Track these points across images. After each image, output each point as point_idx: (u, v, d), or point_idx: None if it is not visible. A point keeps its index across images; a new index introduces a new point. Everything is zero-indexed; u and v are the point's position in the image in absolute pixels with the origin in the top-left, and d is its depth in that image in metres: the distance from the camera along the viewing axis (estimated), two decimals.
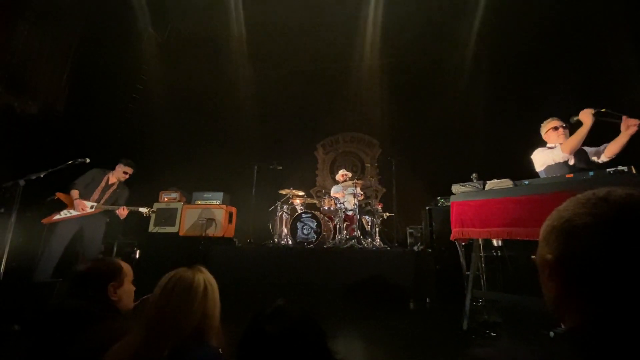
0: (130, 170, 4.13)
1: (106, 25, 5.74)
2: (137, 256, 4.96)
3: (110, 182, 4.07)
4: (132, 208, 4.11)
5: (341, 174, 5.63)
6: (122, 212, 4.01)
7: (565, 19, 5.10)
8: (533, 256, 0.66)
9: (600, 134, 2.80)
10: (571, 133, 2.77)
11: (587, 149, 2.80)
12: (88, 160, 3.69)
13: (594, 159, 2.74)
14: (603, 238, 0.49)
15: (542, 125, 3.06)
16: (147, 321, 1.02)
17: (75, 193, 3.85)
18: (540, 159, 2.89)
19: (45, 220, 3.75)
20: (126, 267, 1.41)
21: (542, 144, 3.03)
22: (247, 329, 0.89)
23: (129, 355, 0.98)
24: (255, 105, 6.90)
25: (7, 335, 2.58)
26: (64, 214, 3.80)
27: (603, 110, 2.49)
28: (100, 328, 1.12)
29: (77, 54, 5.51)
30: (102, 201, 3.98)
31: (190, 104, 6.85)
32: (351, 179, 5.44)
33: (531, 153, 3.15)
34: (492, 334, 2.46)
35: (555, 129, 2.88)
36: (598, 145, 2.72)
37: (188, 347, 1.02)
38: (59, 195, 3.85)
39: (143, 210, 4.16)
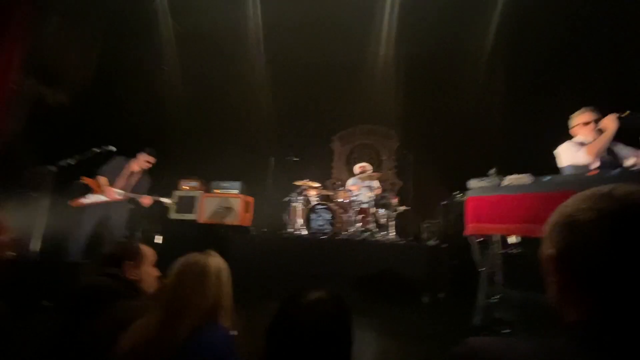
0: (152, 160, 4.27)
1: (130, 18, 5.90)
2: (160, 242, 5.17)
3: (133, 170, 4.22)
4: (156, 198, 4.26)
5: (359, 166, 5.56)
6: (146, 200, 4.19)
7: (588, 11, 4.79)
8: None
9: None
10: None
11: (621, 148, 2.56)
12: (115, 148, 3.88)
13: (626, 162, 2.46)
14: (606, 233, 0.49)
15: (572, 116, 2.82)
16: (164, 304, 1.08)
17: (104, 180, 3.99)
18: (566, 156, 2.72)
19: (74, 203, 3.88)
20: (147, 250, 1.50)
21: (566, 138, 2.88)
22: (279, 312, 0.91)
23: (149, 334, 1.05)
24: (273, 97, 6.94)
25: (37, 311, 2.78)
26: (91, 198, 3.93)
27: (627, 113, 2.33)
28: (122, 306, 1.21)
29: (103, 46, 5.71)
30: (127, 189, 4.14)
31: (210, 95, 6.97)
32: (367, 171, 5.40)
33: (552, 147, 3.00)
34: (506, 330, 2.43)
35: (586, 124, 2.64)
36: None
37: (202, 327, 1.08)
38: (86, 179, 3.96)
39: (165, 200, 4.31)
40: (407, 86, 6.39)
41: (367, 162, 5.82)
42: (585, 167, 2.49)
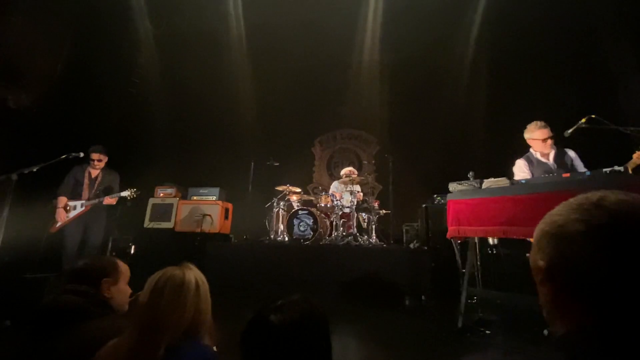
0: (96, 156, 4.01)
1: (101, 18, 5.65)
2: (132, 252, 4.93)
3: (93, 176, 4.05)
4: (115, 195, 4.04)
5: (348, 170, 5.45)
6: (110, 200, 4.00)
7: (565, 20, 5.09)
8: (528, 254, 0.66)
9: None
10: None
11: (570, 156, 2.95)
12: (82, 154, 3.66)
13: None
14: (596, 245, 0.49)
15: (530, 129, 3.12)
16: (139, 321, 1.00)
17: (61, 201, 3.90)
18: (518, 174, 3.08)
19: (52, 230, 3.85)
20: (123, 267, 1.40)
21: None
22: (253, 318, 0.89)
23: (122, 355, 0.97)
24: (253, 100, 6.85)
25: None
26: (63, 219, 3.86)
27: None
28: (93, 326, 1.11)
29: (71, 47, 5.42)
30: (92, 195, 3.98)
31: (187, 99, 6.78)
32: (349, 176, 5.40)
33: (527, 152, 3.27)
34: (487, 331, 2.47)
35: (544, 140, 2.99)
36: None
37: (182, 345, 1.01)
38: (57, 206, 3.91)
39: (125, 193, 4.04)
40: (387, 91, 6.51)
41: (347, 166, 5.84)
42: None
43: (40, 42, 5.02)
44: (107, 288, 1.29)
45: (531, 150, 3.17)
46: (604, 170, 2.05)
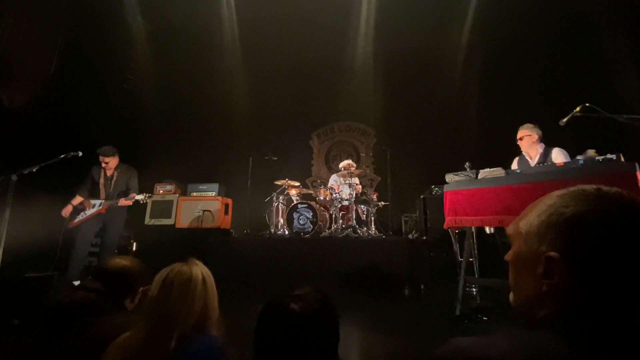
0: (102, 159, 4.02)
1: (94, 14, 5.57)
2: (134, 249, 4.97)
3: (108, 175, 4.08)
4: (129, 198, 4.09)
5: (347, 163, 5.45)
6: (125, 202, 4.06)
7: (561, 11, 5.08)
8: (507, 259, 0.67)
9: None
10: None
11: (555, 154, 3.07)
12: (80, 153, 3.66)
13: None
14: (613, 232, 0.52)
15: (523, 129, 3.28)
16: (150, 317, 1.04)
17: (76, 199, 3.97)
18: None
19: (70, 225, 3.89)
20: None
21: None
22: (270, 307, 0.93)
23: (134, 350, 1.01)
24: (249, 95, 6.82)
25: (7, 330, 2.60)
26: (81, 215, 3.92)
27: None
28: (105, 321, 1.15)
29: (65, 44, 5.36)
30: (109, 196, 4.03)
31: (183, 95, 6.76)
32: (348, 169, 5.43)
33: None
34: (484, 318, 2.54)
35: (534, 141, 3.18)
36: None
37: (191, 338, 1.06)
38: (77, 199, 3.99)
39: (139, 197, 4.11)
40: (384, 83, 6.50)
41: (346, 158, 5.86)
42: None
43: (32, 40, 4.96)
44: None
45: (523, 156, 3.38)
46: (597, 158, 2.09)
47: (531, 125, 3.22)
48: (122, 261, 1.38)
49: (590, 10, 4.80)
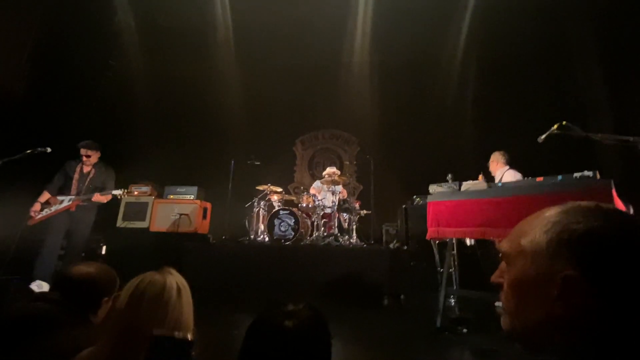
0: (83, 152, 3.87)
1: (72, 4, 5.33)
2: (104, 252, 4.70)
3: (85, 171, 3.89)
4: (106, 193, 3.89)
5: (332, 171, 5.40)
6: (100, 198, 3.85)
7: (545, 37, 5.34)
8: (499, 279, 0.62)
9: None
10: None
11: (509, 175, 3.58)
12: (49, 149, 3.44)
13: None
14: (629, 248, 0.49)
15: (496, 155, 3.84)
16: (117, 329, 0.94)
17: (43, 195, 3.76)
18: None
19: (30, 222, 3.65)
20: (117, 282, 1.29)
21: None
22: (260, 321, 0.89)
23: None
24: (234, 97, 6.71)
25: None
26: (45, 212, 3.70)
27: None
28: (64, 335, 1.03)
29: (39, 33, 5.07)
30: (82, 192, 3.81)
31: (166, 93, 6.54)
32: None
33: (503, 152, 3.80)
34: (464, 330, 2.54)
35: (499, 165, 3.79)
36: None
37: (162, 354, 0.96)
38: (43, 197, 3.78)
39: (117, 192, 3.92)
40: (370, 92, 6.57)
41: (329, 166, 5.84)
42: None
43: (2, 28, 4.68)
44: (104, 307, 1.19)
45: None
46: (575, 175, 2.16)
47: (498, 152, 3.87)
48: (87, 268, 1.25)
49: (570, 36, 5.08)
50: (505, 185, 2.49)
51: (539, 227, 0.57)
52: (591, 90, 4.76)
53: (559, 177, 2.23)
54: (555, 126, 2.76)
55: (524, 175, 3.44)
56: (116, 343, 0.94)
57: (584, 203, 0.56)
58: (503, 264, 0.62)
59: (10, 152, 3.24)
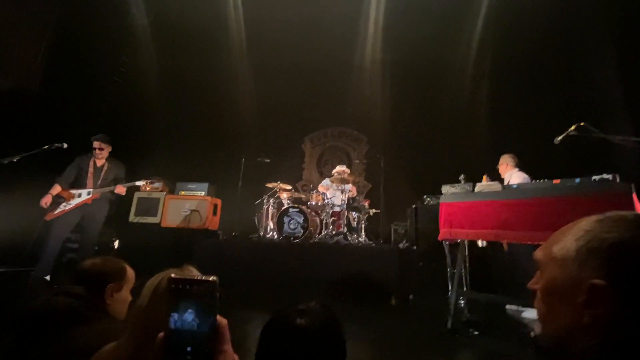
0: (97, 144, 3.89)
1: (86, 3, 5.40)
2: (116, 247, 4.79)
3: (99, 165, 3.93)
4: (129, 184, 3.95)
5: (341, 169, 5.39)
6: (122, 189, 3.89)
7: (559, 32, 5.22)
8: (534, 286, 0.62)
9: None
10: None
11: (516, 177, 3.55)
12: (65, 145, 3.51)
13: None
14: None
15: (504, 157, 3.82)
16: (138, 327, 0.96)
17: (55, 188, 3.75)
18: None
19: (48, 217, 3.64)
20: (130, 273, 1.32)
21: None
22: (275, 322, 0.90)
23: None
24: (244, 95, 6.74)
25: None
26: (62, 206, 3.70)
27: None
28: (86, 330, 1.05)
29: (54, 31, 5.16)
30: (98, 186, 3.84)
31: (177, 91, 6.61)
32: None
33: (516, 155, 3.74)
34: (475, 332, 2.52)
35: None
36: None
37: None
38: (55, 191, 3.75)
39: (140, 183, 3.99)
40: (380, 90, 6.52)
41: (338, 164, 5.83)
42: None
43: (20, 25, 4.76)
44: (110, 294, 1.23)
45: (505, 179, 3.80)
46: (593, 177, 2.12)
47: (507, 155, 3.84)
48: (94, 260, 1.31)
49: (586, 35, 4.94)
50: (522, 187, 2.44)
51: (571, 234, 0.58)
52: (608, 90, 4.64)
53: (577, 180, 2.18)
54: (573, 127, 2.71)
55: (536, 178, 3.40)
56: (138, 338, 0.95)
57: (622, 213, 0.56)
58: (539, 272, 0.63)
59: (28, 148, 3.33)
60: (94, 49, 5.54)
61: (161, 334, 0.49)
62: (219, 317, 0.51)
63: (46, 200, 3.68)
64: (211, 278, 0.50)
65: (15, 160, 3.14)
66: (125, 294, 1.28)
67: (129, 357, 0.92)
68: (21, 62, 4.83)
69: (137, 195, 5.29)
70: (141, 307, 0.99)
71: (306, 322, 0.86)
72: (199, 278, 0.50)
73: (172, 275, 0.52)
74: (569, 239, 0.58)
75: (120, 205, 5.26)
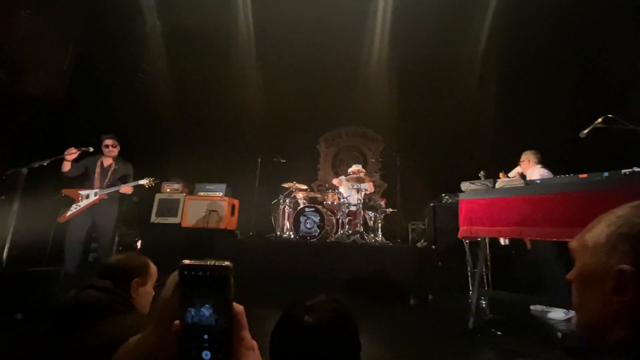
0: (109, 142, 3.91)
1: (109, 12, 5.62)
2: (139, 246, 4.94)
3: (106, 165, 3.95)
4: (133, 183, 3.96)
5: (357, 169, 5.36)
6: (127, 189, 3.91)
7: (576, 18, 5.00)
8: (570, 277, 0.61)
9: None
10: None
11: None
12: (92, 149, 3.65)
13: None
14: None
15: (526, 154, 3.70)
16: (162, 320, 0.98)
17: (66, 191, 3.80)
18: None
19: (61, 219, 3.71)
20: (153, 269, 1.38)
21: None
22: (284, 318, 0.89)
23: (144, 352, 0.95)
24: (259, 96, 6.82)
25: (9, 325, 2.56)
26: (73, 208, 3.74)
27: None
28: (114, 323, 1.09)
29: (79, 40, 5.40)
30: (105, 186, 3.88)
31: (194, 94, 6.76)
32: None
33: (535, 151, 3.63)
34: (498, 333, 2.45)
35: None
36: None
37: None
38: (65, 191, 3.80)
39: (143, 182, 3.97)
40: (394, 88, 6.45)
41: (353, 164, 5.80)
42: None
43: (47, 35, 5.01)
44: (136, 289, 1.27)
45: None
46: (623, 171, 2.02)
47: (529, 151, 3.71)
48: (119, 256, 1.36)
49: (608, 17, 4.72)
50: (545, 182, 2.35)
51: (604, 221, 0.56)
52: (634, 80, 4.40)
53: (605, 174, 2.08)
54: (600, 119, 2.61)
55: (559, 174, 3.27)
56: (161, 330, 0.98)
57: None
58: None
59: (56, 152, 3.49)
60: (115, 57, 5.75)
61: (177, 322, 0.48)
62: (235, 304, 0.49)
63: (69, 153, 3.64)
64: (225, 263, 0.48)
65: (45, 164, 3.30)
66: (149, 289, 1.33)
67: (153, 348, 0.95)
68: (49, 71, 5.08)
69: (158, 196, 5.45)
70: (164, 300, 1.02)
71: (314, 320, 0.85)
72: (212, 264, 0.47)
73: (184, 261, 0.49)
74: (601, 226, 0.56)
75: (143, 206, 5.45)
